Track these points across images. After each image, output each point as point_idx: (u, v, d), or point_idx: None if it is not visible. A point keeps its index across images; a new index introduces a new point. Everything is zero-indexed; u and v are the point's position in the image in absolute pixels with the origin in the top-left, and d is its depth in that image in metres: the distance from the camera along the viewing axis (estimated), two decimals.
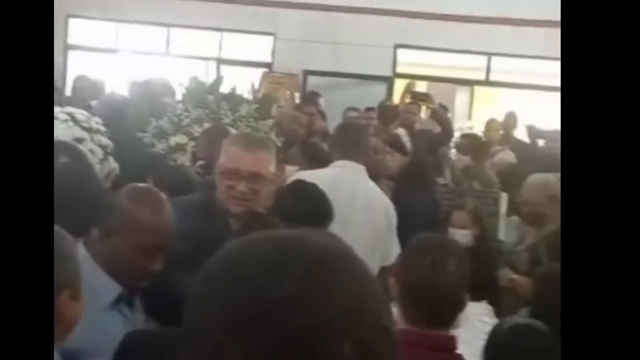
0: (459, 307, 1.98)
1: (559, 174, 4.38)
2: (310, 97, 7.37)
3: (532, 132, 6.96)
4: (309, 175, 3.56)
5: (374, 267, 3.64)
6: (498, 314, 3.63)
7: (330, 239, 0.88)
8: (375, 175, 4.66)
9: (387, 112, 6.39)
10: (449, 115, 7.31)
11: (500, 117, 7.63)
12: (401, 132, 4.48)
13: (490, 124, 7.03)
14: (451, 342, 1.97)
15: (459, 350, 2.01)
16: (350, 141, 3.66)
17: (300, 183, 2.72)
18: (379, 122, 6.32)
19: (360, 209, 3.41)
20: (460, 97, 11.06)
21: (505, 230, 4.71)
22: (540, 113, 8.91)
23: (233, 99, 5.50)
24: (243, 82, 6.37)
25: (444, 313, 1.95)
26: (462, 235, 3.93)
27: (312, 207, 2.66)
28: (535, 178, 3.94)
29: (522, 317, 2.66)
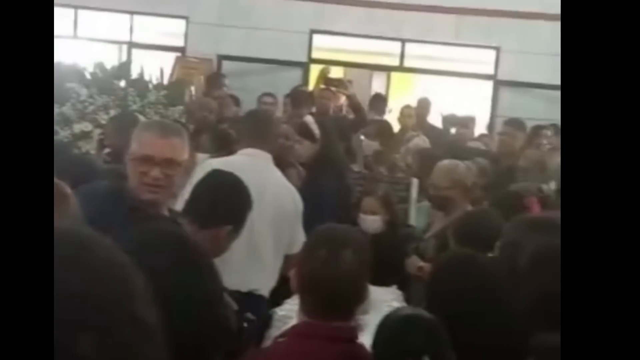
0: (357, 298, 1.96)
1: (468, 161, 4.46)
2: (213, 80, 7.18)
3: (448, 119, 7.07)
4: (218, 164, 3.50)
5: (281, 256, 3.62)
6: (408, 299, 3.67)
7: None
8: (285, 162, 4.63)
9: (299, 98, 6.34)
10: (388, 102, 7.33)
11: (415, 103, 7.72)
12: (309, 119, 4.44)
13: (403, 110, 7.09)
14: (351, 333, 1.96)
15: (367, 337, 2.00)
16: (257, 129, 3.62)
17: (218, 173, 2.65)
18: (292, 108, 6.26)
19: (269, 197, 3.37)
20: (377, 83, 11.14)
21: (417, 216, 4.75)
22: (454, 99, 9.07)
23: (141, 85, 5.35)
24: (155, 67, 6.19)
25: (342, 305, 1.93)
26: (372, 221, 3.94)
27: (230, 199, 2.60)
28: (443, 163, 3.99)
29: (410, 306, 2.66)
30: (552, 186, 4.32)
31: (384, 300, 3.67)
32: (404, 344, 1.76)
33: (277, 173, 3.65)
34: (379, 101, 7.66)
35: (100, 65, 5.23)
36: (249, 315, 2.83)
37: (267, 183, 3.41)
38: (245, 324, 2.70)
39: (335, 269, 1.89)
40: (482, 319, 1.90)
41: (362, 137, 6.23)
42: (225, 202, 2.57)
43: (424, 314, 1.90)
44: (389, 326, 1.87)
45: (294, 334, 1.96)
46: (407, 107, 7.15)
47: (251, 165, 3.40)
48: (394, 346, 1.80)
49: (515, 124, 5.53)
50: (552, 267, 2.14)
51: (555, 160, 4.74)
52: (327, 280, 1.89)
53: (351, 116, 6.39)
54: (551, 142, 5.52)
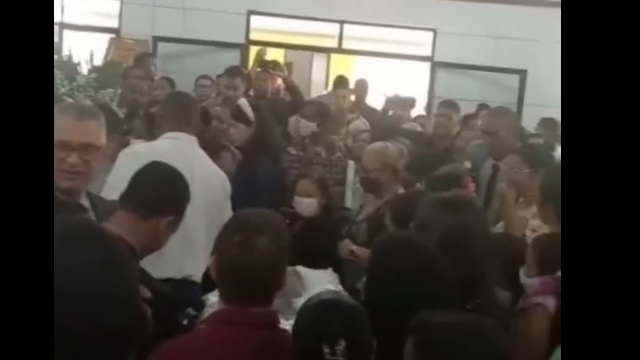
0: (275, 284, 1.94)
1: (398, 143, 4.48)
2: (139, 61, 6.98)
3: (391, 101, 7.06)
4: (141, 149, 3.42)
5: (213, 241, 3.57)
6: (344, 281, 3.67)
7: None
8: (219, 146, 4.57)
9: (234, 71, 6.24)
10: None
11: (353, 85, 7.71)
12: (243, 102, 4.38)
13: (338, 92, 7.07)
14: (272, 318, 1.95)
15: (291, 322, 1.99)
16: (180, 112, 3.54)
17: (159, 164, 2.57)
18: (226, 79, 6.14)
19: (198, 182, 3.30)
20: (317, 65, 11.12)
21: (354, 198, 4.75)
22: (392, 80, 9.11)
23: (69, 67, 5.18)
24: (89, 49, 6.01)
25: (259, 291, 1.91)
26: (307, 204, 3.93)
27: (172, 190, 2.53)
28: (374, 145, 3.99)
29: (332, 291, 2.65)
30: (467, 165, 4.37)
31: (319, 283, 3.67)
32: (320, 328, 1.75)
33: (204, 156, 3.58)
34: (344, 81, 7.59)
35: None
36: (190, 310, 2.78)
37: (194, 168, 3.34)
38: (185, 321, 2.66)
39: (250, 255, 1.86)
40: (421, 300, 1.90)
41: (301, 119, 6.20)
42: (167, 194, 2.50)
43: (343, 299, 1.89)
44: (307, 311, 1.86)
45: (214, 320, 1.94)
46: (343, 88, 7.14)
47: (176, 150, 3.32)
48: (311, 330, 1.79)
49: (449, 105, 5.57)
50: (460, 248, 2.16)
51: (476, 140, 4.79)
52: (242, 267, 1.86)
53: (288, 98, 6.36)
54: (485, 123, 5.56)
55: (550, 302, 2.41)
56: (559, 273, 2.37)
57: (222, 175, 3.62)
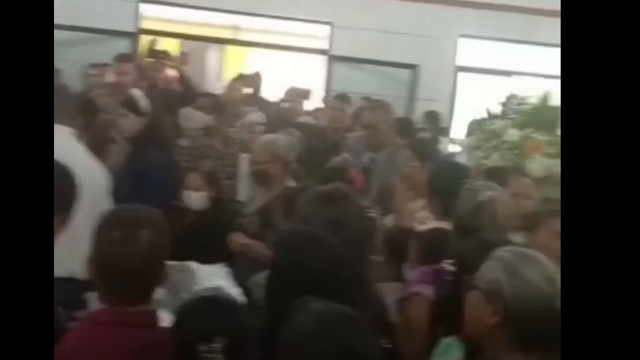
0: (155, 280, 1.88)
1: (289, 136, 4.48)
2: None
3: (289, 92, 7.02)
4: None
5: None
6: (237, 276, 3.62)
7: None
8: (105, 138, 4.41)
9: (124, 58, 6.05)
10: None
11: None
12: (135, 92, 4.24)
13: (230, 84, 7.00)
14: (150, 317, 1.88)
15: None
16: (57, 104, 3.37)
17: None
18: (115, 77, 5.95)
19: (78, 178, 3.16)
20: (213, 56, 10.94)
21: (249, 191, 4.71)
22: (289, 73, 9.09)
23: None
24: None
25: (139, 288, 1.85)
26: (196, 197, 3.85)
27: (62, 190, 2.40)
28: (264, 137, 3.98)
29: (214, 288, 2.62)
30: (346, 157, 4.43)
31: (209, 279, 3.61)
32: (197, 326, 1.71)
33: (82, 150, 3.43)
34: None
35: None
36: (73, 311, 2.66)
37: (73, 162, 3.20)
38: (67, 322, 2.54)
39: (130, 250, 1.80)
40: (326, 294, 1.89)
41: (194, 111, 6.07)
42: (57, 194, 2.38)
43: (223, 296, 1.86)
44: (185, 309, 1.81)
45: (89, 321, 1.86)
46: (235, 80, 7.08)
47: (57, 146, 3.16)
48: (188, 329, 1.74)
49: (342, 98, 5.62)
50: (342, 240, 2.17)
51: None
52: (122, 262, 1.80)
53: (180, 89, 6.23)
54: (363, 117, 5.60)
55: (428, 291, 2.46)
56: (441, 265, 2.43)
57: (101, 170, 3.48)
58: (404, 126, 5.80)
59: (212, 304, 1.80)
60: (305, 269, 2.02)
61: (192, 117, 5.29)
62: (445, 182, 3.28)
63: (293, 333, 1.54)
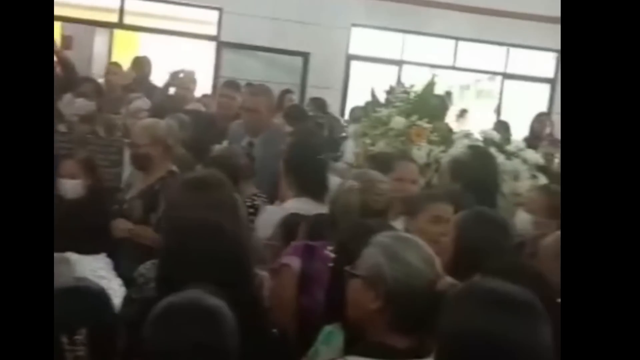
0: None
1: (173, 120, 4.39)
2: None
3: (172, 77, 6.87)
4: None
5: None
6: (118, 266, 3.51)
7: None
8: None
9: None
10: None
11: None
12: None
13: (109, 68, 6.79)
14: None
15: None
16: None
17: None
18: None
19: None
20: (100, 40, 10.58)
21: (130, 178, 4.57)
22: (178, 59, 8.92)
23: None
24: None
25: None
26: (70, 185, 3.70)
27: None
28: (144, 120, 3.90)
29: (80, 277, 2.54)
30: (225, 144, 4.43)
31: (91, 269, 3.48)
32: (58, 318, 1.63)
33: None
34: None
35: None
36: None
37: None
38: None
39: None
40: (213, 278, 1.86)
41: (77, 98, 5.85)
42: None
43: (86, 285, 1.78)
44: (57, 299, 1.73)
45: None
46: (114, 64, 6.88)
47: None
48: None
49: (231, 85, 5.57)
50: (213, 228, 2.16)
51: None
52: None
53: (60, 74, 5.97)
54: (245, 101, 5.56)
55: (295, 262, 2.51)
56: (318, 242, 2.54)
57: None
58: (295, 113, 5.81)
59: (74, 293, 1.72)
60: (197, 253, 2.01)
61: (74, 104, 5.08)
62: (300, 158, 3.46)
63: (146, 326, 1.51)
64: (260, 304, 2.24)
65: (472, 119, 7.93)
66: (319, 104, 6.65)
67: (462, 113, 8.01)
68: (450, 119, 5.49)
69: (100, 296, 1.74)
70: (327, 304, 2.25)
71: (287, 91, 7.01)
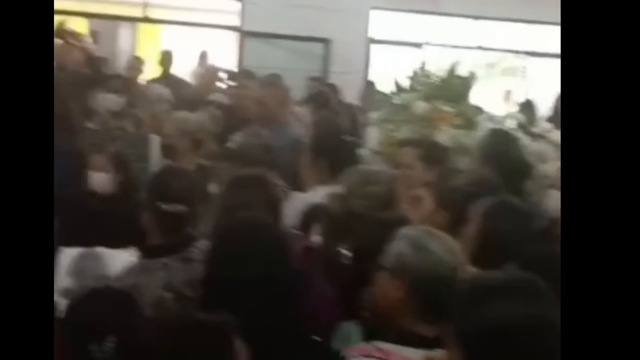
0: None
1: (204, 114, 4.44)
2: None
3: (210, 70, 6.91)
4: None
5: None
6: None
7: None
8: None
9: None
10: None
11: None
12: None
13: (132, 63, 6.87)
14: None
15: None
16: None
17: None
18: None
19: None
20: (124, 34, 10.67)
21: None
22: (202, 50, 8.97)
23: None
24: None
25: None
26: (100, 179, 3.77)
27: None
28: (176, 113, 3.97)
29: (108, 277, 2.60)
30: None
31: (123, 264, 3.55)
32: (86, 323, 1.67)
33: None
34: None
35: None
36: None
37: None
38: None
39: None
40: (265, 284, 1.90)
41: (107, 94, 5.92)
42: None
43: (114, 288, 1.81)
44: (75, 302, 1.76)
45: None
46: (137, 59, 6.94)
47: None
48: (77, 326, 1.70)
49: (246, 74, 5.60)
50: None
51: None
52: None
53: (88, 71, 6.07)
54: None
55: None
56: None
57: None
58: (319, 100, 5.78)
59: (100, 299, 1.73)
60: (244, 251, 2.05)
61: (106, 100, 5.15)
62: (329, 142, 3.46)
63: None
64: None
65: (516, 99, 7.73)
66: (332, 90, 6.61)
67: (508, 94, 7.93)
68: (497, 101, 5.43)
69: (128, 300, 1.74)
70: (344, 301, 2.28)
71: (316, 79, 7.01)
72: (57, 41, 6.61)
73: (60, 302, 1.91)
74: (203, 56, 7.87)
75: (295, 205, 3.25)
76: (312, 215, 2.87)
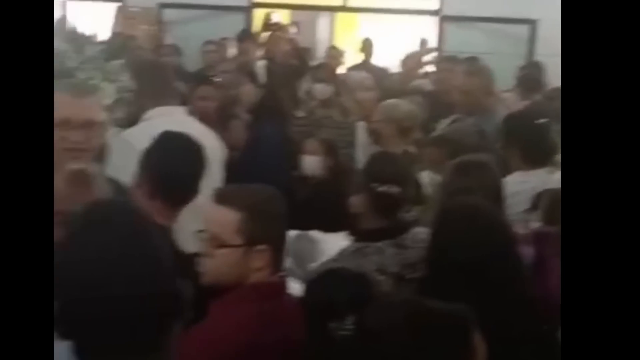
0: None
1: (410, 102, 4.46)
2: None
3: (411, 57, 6.95)
4: (139, 133, 3.06)
5: None
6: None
7: None
8: (228, 114, 4.55)
9: (246, 42, 6.19)
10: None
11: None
12: (258, 63, 4.36)
13: (331, 52, 7.01)
14: (277, 288, 1.97)
15: None
16: (159, 83, 3.34)
17: (171, 135, 2.55)
18: (237, 53, 6.12)
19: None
20: (322, 24, 10.98)
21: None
22: (400, 37, 9.00)
23: (77, 40, 5.16)
24: (95, 20, 5.98)
25: None
26: (313, 162, 3.93)
27: (191, 159, 2.52)
28: (386, 102, 4.03)
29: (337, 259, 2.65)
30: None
31: (334, 247, 3.68)
32: (327, 303, 1.72)
33: (197, 125, 3.38)
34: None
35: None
36: None
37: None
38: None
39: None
40: (489, 268, 1.91)
41: (316, 83, 6.13)
42: (185, 169, 2.49)
43: (351, 268, 1.86)
44: (314, 284, 1.83)
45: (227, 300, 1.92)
46: (334, 48, 7.08)
47: (175, 127, 2.90)
48: (317, 306, 1.76)
49: (452, 60, 5.53)
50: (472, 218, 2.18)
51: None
52: None
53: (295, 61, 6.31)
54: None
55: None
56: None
57: (218, 145, 3.49)
58: (529, 84, 5.55)
59: (341, 277, 1.81)
60: (458, 236, 2.07)
61: (315, 90, 5.33)
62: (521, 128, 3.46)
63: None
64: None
65: None
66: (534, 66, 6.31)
67: None
68: None
69: (364, 281, 1.80)
70: None
71: (526, 66, 6.80)
72: (265, 34, 6.95)
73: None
74: (423, 43, 7.86)
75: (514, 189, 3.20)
76: (539, 200, 2.82)
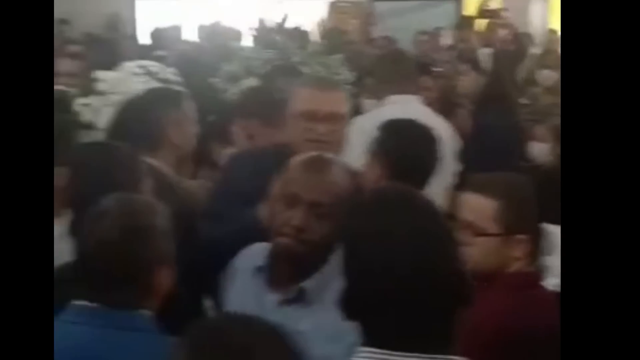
0: None
1: None
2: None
3: None
4: (373, 120, 3.03)
5: None
6: None
7: None
8: (451, 103, 4.54)
9: (464, 29, 6.16)
10: None
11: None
12: (482, 51, 4.31)
13: (551, 36, 6.73)
14: (533, 278, 1.94)
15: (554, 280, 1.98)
16: (397, 72, 3.38)
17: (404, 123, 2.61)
18: (454, 41, 6.09)
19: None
20: (536, 7, 10.58)
21: None
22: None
23: (299, 36, 5.42)
24: (309, 16, 6.24)
25: None
26: (539, 149, 3.82)
27: (427, 147, 2.53)
28: None
29: None
30: None
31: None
32: None
33: (431, 114, 3.38)
34: None
35: (261, 22, 5.37)
36: None
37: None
38: None
39: None
40: None
41: (542, 69, 5.94)
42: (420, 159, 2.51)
43: None
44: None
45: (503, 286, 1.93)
46: (554, 32, 6.78)
47: (409, 116, 2.87)
48: None
49: None
50: None
51: None
52: None
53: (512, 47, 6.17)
54: None
55: None
56: None
57: (451, 133, 3.49)
58: None
59: None
60: None
61: (541, 76, 5.19)
62: None
63: None
64: None
65: None
66: None
67: None
68: None
69: None
70: None
71: None
72: (481, 20, 6.86)
73: None
74: None
75: None
76: None
